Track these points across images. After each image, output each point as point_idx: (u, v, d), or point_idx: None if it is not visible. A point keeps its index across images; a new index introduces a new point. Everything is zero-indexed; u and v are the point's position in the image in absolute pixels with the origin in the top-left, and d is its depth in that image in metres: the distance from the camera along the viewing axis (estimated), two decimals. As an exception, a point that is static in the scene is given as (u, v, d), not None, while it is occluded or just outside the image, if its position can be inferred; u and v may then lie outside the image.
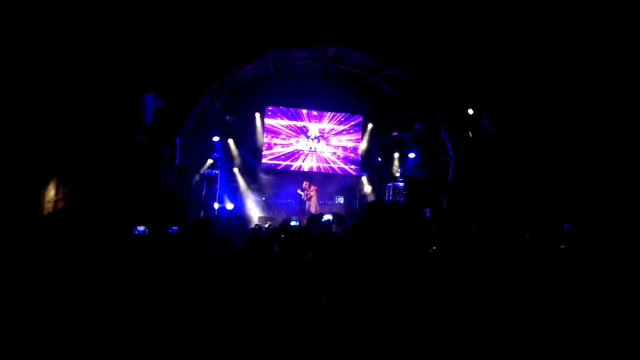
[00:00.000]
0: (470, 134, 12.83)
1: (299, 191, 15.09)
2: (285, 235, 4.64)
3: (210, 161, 14.00)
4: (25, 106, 9.81)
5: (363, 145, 16.77)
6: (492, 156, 12.45)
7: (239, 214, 8.47)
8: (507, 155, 12.16)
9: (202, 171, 13.88)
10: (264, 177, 15.73)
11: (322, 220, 7.18)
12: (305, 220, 7.53)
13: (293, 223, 8.56)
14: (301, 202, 14.98)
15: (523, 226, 10.45)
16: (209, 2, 11.36)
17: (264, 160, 15.94)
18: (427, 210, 14.14)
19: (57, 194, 11.70)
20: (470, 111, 12.86)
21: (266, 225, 12.06)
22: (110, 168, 11.06)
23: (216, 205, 13.92)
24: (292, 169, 16.21)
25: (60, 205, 11.59)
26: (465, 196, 12.95)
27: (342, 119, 16.77)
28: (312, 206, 14.87)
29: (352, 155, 16.79)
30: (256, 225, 12.16)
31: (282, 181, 15.93)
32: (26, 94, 9.76)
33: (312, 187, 15.21)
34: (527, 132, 11.75)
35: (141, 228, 3.90)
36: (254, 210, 14.87)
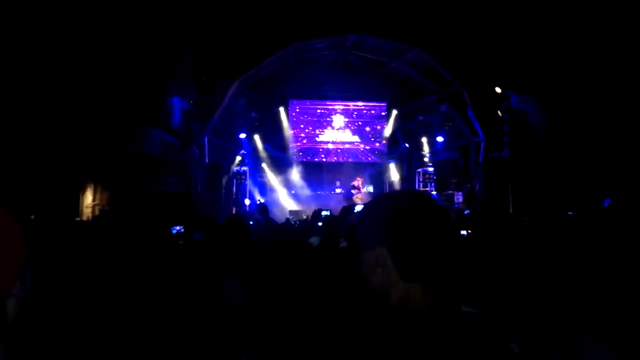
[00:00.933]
0: (500, 112, 12.51)
1: (353, 191, 14.69)
2: (321, 225, 4.63)
3: (238, 158, 14.16)
4: (62, 111, 10.13)
5: (389, 132, 16.59)
6: (523, 135, 12.11)
7: (266, 206, 8.49)
8: (539, 133, 11.82)
9: (232, 169, 14.05)
10: (293, 171, 15.75)
11: (355, 210, 7.16)
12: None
13: (324, 213, 8.59)
14: (347, 198, 14.48)
15: (563, 204, 10.17)
16: (228, 1, 11.41)
17: (291, 154, 16.00)
18: (460, 194, 13.92)
19: (94, 199, 12.08)
20: (498, 89, 12.53)
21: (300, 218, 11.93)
22: (144, 172, 11.33)
23: (247, 202, 14.09)
24: (320, 160, 16.22)
25: (98, 210, 11.97)
26: (499, 178, 12.65)
27: (366, 107, 16.65)
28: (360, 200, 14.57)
29: (378, 143, 16.66)
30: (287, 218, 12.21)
31: (312, 174, 15.95)
32: (63, 99, 10.07)
33: (358, 179, 15.02)
34: (559, 108, 11.37)
35: (178, 227, 3.96)
36: (289, 204, 14.91)
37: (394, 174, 16.29)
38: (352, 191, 14.63)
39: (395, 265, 1.09)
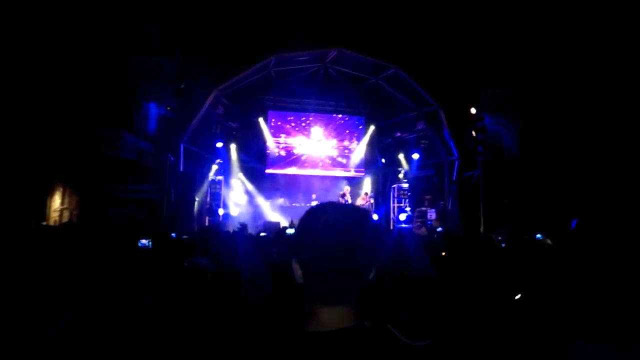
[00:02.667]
0: (474, 133, 12.80)
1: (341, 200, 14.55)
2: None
3: (214, 167, 14.00)
4: (29, 111, 9.85)
5: (366, 147, 16.74)
6: (497, 155, 12.42)
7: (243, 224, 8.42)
8: (512, 154, 12.14)
9: (207, 178, 13.86)
10: (269, 182, 15.67)
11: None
12: None
13: (289, 231, 8.47)
14: None
15: (532, 224, 10.41)
16: (210, 10, 11.40)
17: (267, 165, 15.94)
18: (433, 211, 14.11)
19: (62, 203, 11.73)
20: (473, 110, 12.85)
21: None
22: (116, 177, 11.09)
23: (221, 212, 13.92)
24: (296, 172, 16.19)
25: (66, 214, 11.63)
26: (471, 196, 12.90)
27: (345, 121, 16.78)
28: None
29: (355, 157, 16.77)
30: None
31: (288, 185, 15.90)
32: (29, 98, 9.80)
33: (345, 188, 14.83)
34: (531, 130, 11.73)
35: (144, 241, 3.83)
36: (263, 215, 14.80)
37: (369, 189, 16.37)
38: (340, 200, 14.41)
39: (307, 285, 1.06)
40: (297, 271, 1.09)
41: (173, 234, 5.88)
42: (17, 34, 9.39)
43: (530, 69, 11.58)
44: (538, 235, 6.96)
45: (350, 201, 14.22)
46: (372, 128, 16.66)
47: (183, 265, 3.25)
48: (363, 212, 1.14)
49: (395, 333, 1.13)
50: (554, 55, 11.01)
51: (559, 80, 11.10)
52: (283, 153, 16.17)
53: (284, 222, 13.71)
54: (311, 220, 1.10)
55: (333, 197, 15.50)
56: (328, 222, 1.07)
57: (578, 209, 9.77)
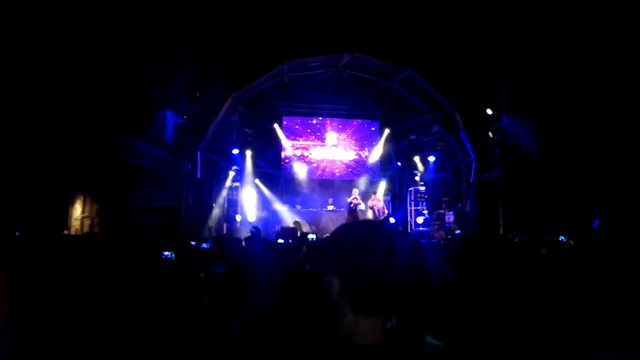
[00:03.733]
0: (490, 134, 12.66)
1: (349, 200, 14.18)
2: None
3: (231, 174, 14.08)
4: (49, 120, 10.07)
5: (381, 150, 16.67)
6: (514, 156, 12.25)
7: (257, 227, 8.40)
8: (530, 154, 11.96)
9: (226, 184, 13.94)
10: (286, 187, 15.70)
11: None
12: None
13: (310, 237, 8.47)
14: (351, 212, 14.04)
15: (553, 225, 10.22)
16: (224, 18, 11.54)
17: (283, 170, 16.00)
18: (451, 213, 13.97)
19: (83, 211, 11.95)
20: (489, 111, 12.71)
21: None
22: (135, 185, 11.25)
23: (238, 218, 14.01)
24: (312, 177, 16.21)
25: (87, 223, 11.83)
26: (489, 198, 12.73)
27: (359, 125, 16.76)
28: (372, 213, 14.21)
29: (370, 160, 16.72)
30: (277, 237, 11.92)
31: (304, 190, 15.90)
32: (48, 108, 10.02)
33: (354, 191, 14.44)
34: (549, 130, 11.55)
35: (167, 253, 3.86)
36: (280, 220, 14.80)
37: (384, 192, 16.27)
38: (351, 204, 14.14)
39: (345, 297, 1.12)
40: (334, 286, 1.15)
41: (193, 242, 5.93)
42: (36, 45, 9.64)
43: (547, 68, 11.42)
44: (561, 237, 6.83)
45: (361, 204, 14.17)
46: (387, 131, 16.59)
47: (199, 276, 3.25)
48: (399, 232, 1.24)
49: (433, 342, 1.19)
50: (571, 53, 10.84)
51: (576, 79, 10.92)
52: (298, 157, 16.21)
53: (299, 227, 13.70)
54: (355, 240, 1.16)
55: (346, 201, 15.46)
56: (374, 244, 1.14)
57: (599, 208, 9.57)
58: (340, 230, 1.24)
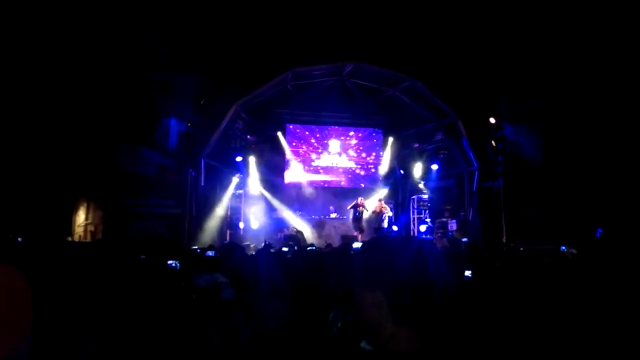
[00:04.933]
0: (494, 142, 12.68)
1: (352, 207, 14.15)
2: None
3: (235, 181, 14.08)
4: (53, 127, 10.14)
5: (384, 159, 16.71)
6: (517, 165, 12.25)
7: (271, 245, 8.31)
8: (533, 163, 11.97)
9: (229, 191, 13.96)
10: (288, 195, 15.70)
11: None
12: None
13: (310, 249, 8.46)
14: (356, 219, 14.02)
15: (556, 234, 10.21)
16: (228, 26, 11.64)
17: (286, 177, 16.03)
18: (454, 222, 13.96)
19: (87, 218, 11.99)
20: (492, 120, 12.74)
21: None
22: (139, 192, 11.29)
23: (241, 225, 14.03)
24: (315, 184, 16.23)
25: (91, 229, 11.87)
26: (492, 206, 12.73)
27: (362, 134, 16.81)
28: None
29: (373, 169, 16.76)
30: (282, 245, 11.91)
31: (307, 198, 15.91)
32: (52, 115, 10.10)
33: (360, 199, 14.37)
34: (553, 139, 11.56)
35: (172, 262, 3.86)
36: (283, 228, 14.79)
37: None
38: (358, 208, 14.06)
39: (391, 310, 1.18)
40: (372, 300, 1.20)
41: (197, 249, 5.97)
42: (42, 53, 9.74)
43: (550, 77, 11.46)
44: (562, 247, 6.83)
45: (367, 210, 14.17)
46: (390, 139, 16.64)
47: (196, 285, 3.21)
48: (425, 242, 1.32)
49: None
50: (574, 63, 10.89)
51: (579, 88, 10.95)
52: (301, 165, 16.26)
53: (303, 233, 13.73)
54: (396, 255, 1.24)
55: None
56: (415, 259, 1.24)
57: (602, 218, 9.56)
58: (376, 246, 1.32)
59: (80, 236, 11.67)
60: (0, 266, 0.87)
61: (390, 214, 14.67)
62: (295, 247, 7.83)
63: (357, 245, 6.42)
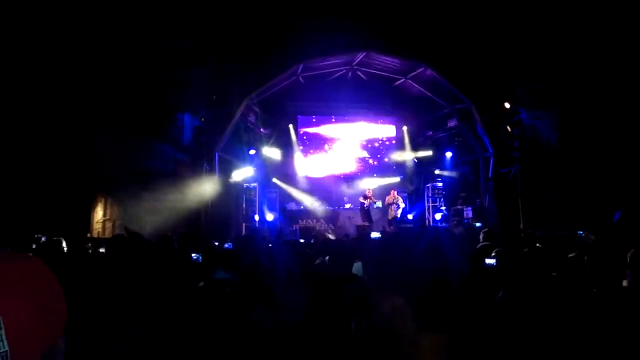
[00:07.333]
0: (509, 128, 12.49)
1: (361, 199, 14.11)
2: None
3: (249, 173, 14.03)
4: (70, 124, 10.28)
5: (398, 147, 16.62)
6: (534, 150, 12.06)
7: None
8: (550, 148, 11.77)
9: (244, 184, 13.99)
10: (302, 186, 15.73)
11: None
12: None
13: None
14: (364, 211, 13.94)
15: (574, 220, 10.07)
16: (238, 19, 11.62)
17: (300, 169, 16.04)
18: (469, 209, 13.84)
19: (105, 214, 12.18)
20: (507, 105, 12.54)
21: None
22: (155, 187, 11.41)
23: (257, 217, 14.12)
24: (328, 175, 16.23)
25: (109, 225, 12.06)
26: (508, 193, 12.57)
27: (374, 123, 16.72)
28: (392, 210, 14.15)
29: (386, 158, 16.68)
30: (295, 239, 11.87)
31: (321, 189, 15.91)
32: (69, 112, 10.23)
33: (368, 190, 14.33)
34: (570, 123, 11.35)
35: (195, 255, 3.94)
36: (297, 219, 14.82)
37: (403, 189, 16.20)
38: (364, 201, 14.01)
39: (414, 316, 1.13)
40: (392, 304, 1.16)
41: (215, 242, 6.03)
42: (58, 51, 9.86)
43: (567, 60, 11.21)
44: (580, 232, 6.73)
45: (375, 201, 14.16)
46: (404, 128, 16.53)
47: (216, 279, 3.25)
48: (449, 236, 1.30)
49: None
50: (591, 45, 10.63)
51: (597, 71, 10.71)
52: (314, 156, 16.26)
53: (317, 227, 13.77)
54: (411, 256, 1.21)
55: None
56: (427, 257, 1.22)
57: (623, 202, 9.39)
58: (390, 248, 1.25)
59: (99, 232, 11.88)
60: (28, 260, 0.89)
61: (403, 205, 14.60)
62: (312, 240, 7.83)
63: (375, 235, 6.38)
